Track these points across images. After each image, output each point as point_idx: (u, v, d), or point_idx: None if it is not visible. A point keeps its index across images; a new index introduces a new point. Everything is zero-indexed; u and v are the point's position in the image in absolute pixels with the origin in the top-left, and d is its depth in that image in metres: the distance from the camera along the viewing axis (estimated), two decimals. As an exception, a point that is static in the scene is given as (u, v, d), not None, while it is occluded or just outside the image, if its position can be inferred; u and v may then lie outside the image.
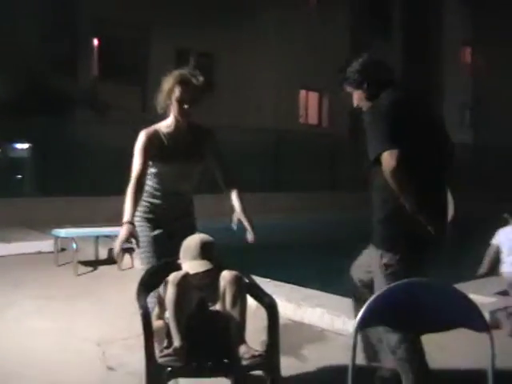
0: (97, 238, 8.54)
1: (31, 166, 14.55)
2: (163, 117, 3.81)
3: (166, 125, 3.80)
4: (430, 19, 25.13)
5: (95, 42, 17.53)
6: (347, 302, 5.46)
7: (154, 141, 3.73)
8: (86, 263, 8.06)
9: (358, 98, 3.40)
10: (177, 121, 3.77)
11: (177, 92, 3.68)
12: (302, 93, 22.65)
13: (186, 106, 3.71)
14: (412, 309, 2.28)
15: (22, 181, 14.70)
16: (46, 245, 9.13)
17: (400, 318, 2.30)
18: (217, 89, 19.22)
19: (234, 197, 3.92)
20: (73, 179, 13.72)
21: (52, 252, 8.57)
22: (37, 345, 4.72)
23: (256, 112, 18.49)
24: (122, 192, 12.00)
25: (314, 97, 23.19)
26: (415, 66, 23.17)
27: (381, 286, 2.99)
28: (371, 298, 2.26)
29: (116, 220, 11.46)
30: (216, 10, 17.35)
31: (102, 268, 8.05)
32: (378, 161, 3.05)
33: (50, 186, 13.44)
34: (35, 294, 6.46)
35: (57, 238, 8.31)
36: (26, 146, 15.05)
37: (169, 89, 3.70)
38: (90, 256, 8.40)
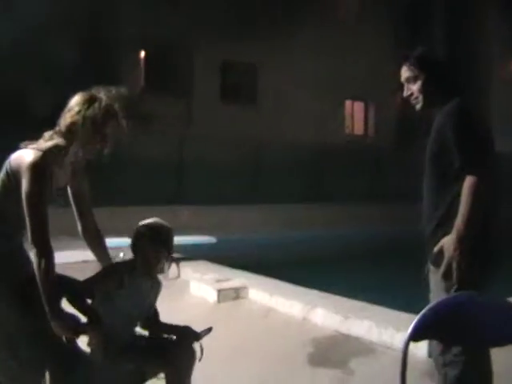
0: (143, 247, 8.60)
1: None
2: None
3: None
4: (475, 31, 24.65)
5: (141, 54, 17.78)
6: (395, 315, 5.40)
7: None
8: (132, 272, 8.11)
9: (417, 88, 3.05)
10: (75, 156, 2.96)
11: (109, 127, 2.96)
12: (348, 103, 22.51)
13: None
14: (465, 324, 2.21)
15: (65, 191, 14.92)
16: (91, 254, 9.21)
17: (453, 332, 2.23)
18: (260, 100, 19.31)
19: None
20: (116, 189, 13.90)
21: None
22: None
23: (300, 123, 18.46)
24: (165, 202, 12.10)
25: (359, 107, 23.03)
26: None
27: None
28: (423, 311, 2.19)
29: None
30: (259, 21, 17.46)
31: (148, 277, 8.08)
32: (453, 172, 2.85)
33: (97, 196, 13.60)
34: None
35: (104, 247, 8.39)
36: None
37: (99, 118, 2.89)
38: (135, 265, 8.47)
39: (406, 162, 18.64)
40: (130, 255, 8.42)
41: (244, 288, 6.80)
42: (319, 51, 19.44)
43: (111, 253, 8.63)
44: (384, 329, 5.02)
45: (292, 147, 16.39)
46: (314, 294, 6.40)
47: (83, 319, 2.70)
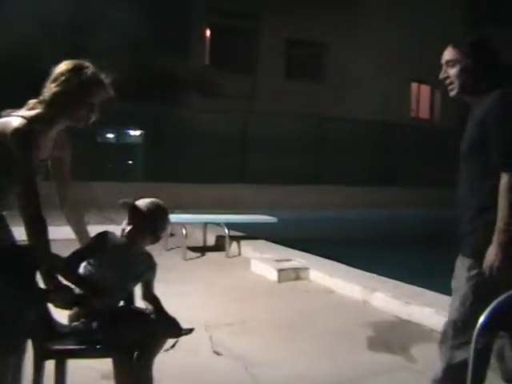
0: (205, 224, 8.70)
1: (143, 151, 15.04)
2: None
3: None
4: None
5: (207, 30, 17.86)
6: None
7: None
8: (194, 249, 8.26)
9: (454, 73, 2.90)
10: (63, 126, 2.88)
11: (95, 97, 2.81)
12: (414, 85, 22.05)
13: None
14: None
15: (132, 166, 15.23)
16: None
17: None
18: (325, 79, 19.15)
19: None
20: (182, 165, 14.08)
21: (161, 236, 8.82)
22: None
23: (366, 103, 18.21)
24: (228, 179, 12.18)
25: (425, 90, 22.53)
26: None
27: (466, 299, 2.80)
28: (495, 302, 2.15)
29: (222, 207, 11.67)
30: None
31: (209, 254, 8.21)
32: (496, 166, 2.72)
33: (161, 171, 13.86)
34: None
35: (167, 222, 8.53)
36: (138, 132, 15.61)
37: (83, 88, 2.76)
38: (198, 242, 8.60)
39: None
40: (191, 232, 8.50)
41: (304, 269, 6.82)
42: (387, 30, 19.09)
43: (175, 228, 8.79)
44: (445, 316, 4.94)
45: (356, 126, 16.23)
46: (374, 277, 6.36)
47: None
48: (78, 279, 2.74)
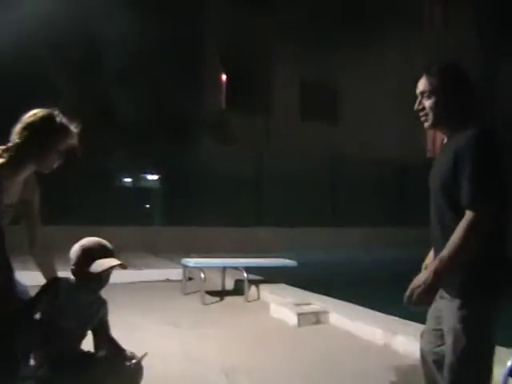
0: (224, 268, 8.68)
1: (160, 196, 15.13)
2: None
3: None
4: None
5: (223, 74, 18.11)
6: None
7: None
8: (213, 293, 8.22)
9: (429, 105, 2.83)
10: (32, 170, 2.96)
11: (62, 143, 2.91)
12: (430, 127, 22.06)
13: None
14: None
15: (150, 210, 15.31)
16: (174, 273, 9.46)
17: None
18: (340, 120, 19.26)
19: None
20: (199, 209, 14.13)
21: (180, 280, 8.82)
22: (165, 369, 4.83)
23: (379, 144, 18.26)
24: (244, 222, 12.14)
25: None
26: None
27: (459, 342, 2.65)
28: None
29: (240, 250, 11.64)
30: (338, 39, 17.41)
31: (228, 298, 8.16)
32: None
33: (177, 215, 13.92)
34: (164, 319, 6.66)
35: (186, 267, 8.54)
36: (155, 176, 15.73)
37: (52, 135, 2.88)
38: (216, 286, 8.56)
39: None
40: (210, 276, 8.47)
41: (325, 312, 6.75)
42: (401, 70, 19.22)
43: (193, 272, 8.79)
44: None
45: (372, 166, 16.22)
46: (395, 320, 6.28)
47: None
48: (32, 325, 2.78)
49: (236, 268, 8.67)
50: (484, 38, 20.81)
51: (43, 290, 2.92)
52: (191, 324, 6.56)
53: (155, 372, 4.77)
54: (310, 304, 7.11)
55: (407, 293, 2.67)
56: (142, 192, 15.94)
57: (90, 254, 2.97)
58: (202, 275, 8.00)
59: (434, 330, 2.93)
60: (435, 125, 2.87)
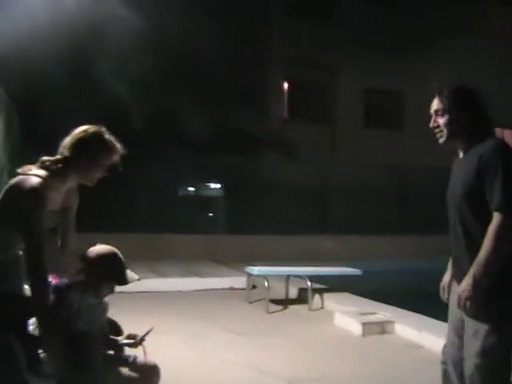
0: (287, 277, 8.66)
1: (222, 204, 15.26)
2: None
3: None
4: None
5: (285, 84, 18.13)
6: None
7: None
8: (276, 301, 8.20)
9: (443, 122, 3.06)
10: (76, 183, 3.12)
11: (108, 159, 3.03)
12: (497, 131, 21.44)
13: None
14: None
15: (213, 218, 15.45)
16: (237, 281, 9.49)
17: None
18: (405, 126, 18.96)
19: None
20: (262, 217, 14.16)
21: (243, 289, 8.85)
22: (225, 377, 4.87)
23: (443, 152, 17.85)
24: (307, 231, 12.05)
25: (509, 135, 21.89)
26: None
27: (484, 354, 2.81)
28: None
29: (303, 258, 11.56)
30: (404, 46, 17.16)
31: (292, 307, 8.13)
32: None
33: (240, 223, 13.99)
34: (229, 328, 6.69)
35: (249, 275, 8.56)
36: (217, 185, 15.88)
37: (98, 151, 3.00)
38: (280, 294, 8.54)
39: None
40: (273, 284, 8.48)
41: (390, 322, 6.63)
42: (467, 75, 18.77)
43: (257, 281, 8.81)
44: None
45: (438, 174, 15.87)
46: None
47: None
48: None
49: (300, 276, 8.64)
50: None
51: (58, 295, 2.94)
52: (256, 332, 6.56)
53: (221, 380, 4.81)
54: (374, 313, 7.01)
55: (457, 301, 2.86)
56: (205, 200, 16.12)
57: (113, 263, 3.05)
58: (266, 283, 8.00)
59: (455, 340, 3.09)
60: (449, 139, 3.10)
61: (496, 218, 2.76)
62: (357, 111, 18.70)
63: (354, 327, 6.62)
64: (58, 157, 2.97)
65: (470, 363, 2.88)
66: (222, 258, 11.99)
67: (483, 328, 2.82)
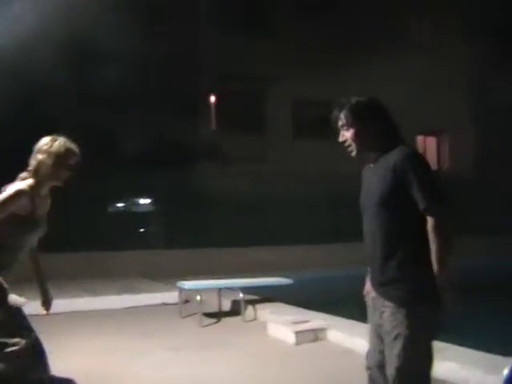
0: (220, 289, 8.62)
1: (154, 219, 15.09)
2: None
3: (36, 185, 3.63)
4: None
5: (214, 96, 18.14)
6: (481, 356, 5.18)
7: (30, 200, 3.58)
8: (210, 315, 8.14)
9: (350, 136, 3.19)
10: (50, 185, 3.73)
11: (71, 160, 3.69)
12: (420, 138, 22.08)
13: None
14: None
15: (145, 234, 15.27)
16: (169, 296, 9.39)
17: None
18: (333, 136, 19.24)
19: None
20: (194, 231, 14.08)
21: (176, 303, 8.75)
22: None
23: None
24: (243, 243, 12.03)
25: (431, 142, 22.59)
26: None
27: (408, 346, 2.91)
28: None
29: (237, 272, 11.55)
30: (330, 58, 17.44)
31: (225, 319, 8.08)
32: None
33: (172, 238, 13.87)
34: (164, 344, 6.60)
35: (181, 290, 8.47)
36: (148, 200, 15.71)
37: (62, 154, 3.64)
38: (213, 308, 8.48)
39: (487, 194, 18.16)
40: (206, 297, 8.47)
41: (323, 329, 6.68)
42: (391, 86, 19.25)
43: (189, 295, 8.75)
44: (471, 371, 4.81)
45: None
46: None
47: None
48: None
49: (232, 289, 8.60)
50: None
51: None
52: (191, 347, 6.49)
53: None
54: (307, 322, 7.04)
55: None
56: (136, 216, 15.91)
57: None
58: (198, 297, 7.93)
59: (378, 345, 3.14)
60: (360, 152, 3.18)
61: (429, 221, 2.90)
62: (287, 122, 18.87)
63: (288, 336, 6.62)
64: (30, 168, 3.62)
65: (392, 366, 2.96)
66: (156, 273, 11.82)
67: (403, 332, 2.91)
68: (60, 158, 3.62)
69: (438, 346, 5.54)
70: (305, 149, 17.94)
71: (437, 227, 2.88)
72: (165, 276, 11.20)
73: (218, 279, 8.97)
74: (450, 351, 5.36)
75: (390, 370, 2.97)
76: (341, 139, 3.23)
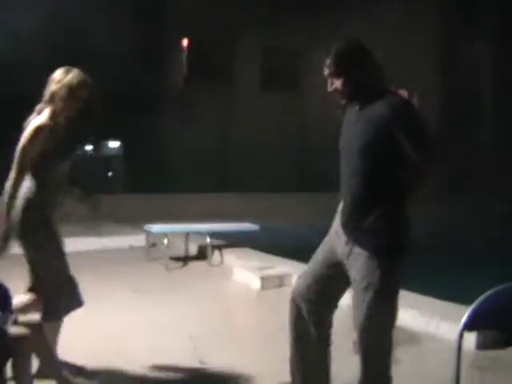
0: (187, 234, 8.66)
1: (122, 163, 14.98)
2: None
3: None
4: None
5: (184, 41, 17.83)
6: (441, 304, 5.35)
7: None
8: (176, 259, 8.20)
9: (340, 84, 3.06)
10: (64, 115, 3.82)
11: (83, 92, 3.80)
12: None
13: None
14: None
15: (112, 178, 15.17)
16: (137, 239, 9.35)
17: (509, 321, 2.19)
18: (303, 85, 19.13)
19: None
20: (161, 177, 14.04)
21: (143, 247, 8.77)
22: (129, 337, 4.84)
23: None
24: (210, 189, 12.02)
25: (404, 93, 22.58)
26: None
27: (378, 295, 2.97)
28: (478, 300, 2.17)
29: (205, 217, 11.55)
30: (302, 7, 17.20)
31: (191, 264, 8.15)
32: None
33: (140, 183, 13.81)
34: (128, 287, 6.61)
35: (148, 233, 8.49)
36: (117, 144, 15.55)
37: (74, 86, 3.75)
38: (180, 252, 8.54)
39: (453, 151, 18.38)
40: (173, 242, 8.50)
41: (288, 275, 6.78)
42: (364, 36, 19.11)
43: (156, 239, 8.72)
44: (430, 319, 4.98)
45: (335, 133, 16.20)
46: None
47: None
48: None
49: (199, 233, 8.65)
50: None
51: None
52: (156, 291, 6.54)
53: (122, 340, 4.78)
54: (273, 267, 7.15)
55: None
56: (103, 160, 15.77)
57: None
58: (165, 241, 7.98)
59: (325, 278, 3.26)
60: (350, 100, 3.10)
61: (418, 169, 2.96)
62: (255, 70, 18.69)
63: (253, 281, 6.74)
64: (44, 98, 3.76)
65: (361, 314, 3.03)
66: (121, 217, 11.78)
67: (374, 282, 2.96)
68: (72, 89, 3.72)
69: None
70: (273, 98, 17.84)
71: (423, 176, 2.97)
72: (132, 220, 11.17)
73: (185, 224, 9.01)
74: (408, 299, 5.52)
75: (359, 318, 3.03)
76: (329, 89, 3.12)
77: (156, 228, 8.39)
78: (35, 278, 3.77)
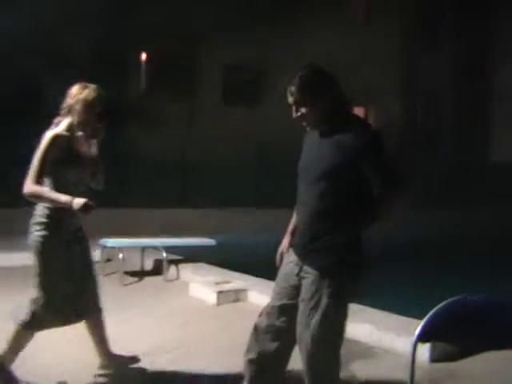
0: (143, 248, 8.56)
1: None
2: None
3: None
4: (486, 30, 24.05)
5: (144, 55, 17.77)
6: (395, 318, 5.39)
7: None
8: (131, 274, 8.10)
9: (306, 111, 3.07)
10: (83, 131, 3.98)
11: (98, 108, 3.95)
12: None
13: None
14: (474, 325, 2.19)
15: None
16: (92, 254, 9.20)
17: (461, 333, 2.20)
18: (263, 101, 19.22)
19: None
20: (120, 191, 13.87)
21: (98, 262, 8.62)
22: (81, 353, 4.72)
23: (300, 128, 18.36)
24: (169, 204, 11.95)
25: (359, 112, 22.96)
26: (465, 80, 22.52)
27: (325, 317, 3.00)
28: (431, 313, 2.18)
29: (163, 232, 11.43)
30: (263, 24, 17.30)
31: (147, 279, 8.06)
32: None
33: (98, 196, 13.60)
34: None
35: (104, 247, 8.36)
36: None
37: (90, 101, 3.89)
38: (135, 266, 8.43)
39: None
40: (129, 256, 8.38)
41: (243, 290, 6.77)
42: (324, 54, 19.32)
43: (112, 253, 8.59)
44: (384, 333, 5.01)
45: (294, 149, 16.27)
46: None
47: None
48: None
49: (155, 247, 8.56)
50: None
51: None
52: (111, 306, 6.39)
53: (71, 356, 4.67)
54: (229, 282, 7.11)
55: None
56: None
57: None
58: (121, 255, 7.87)
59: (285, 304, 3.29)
60: (316, 127, 3.12)
61: (380, 199, 2.96)
62: (216, 87, 18.72)
63: (209, 296, 6.68)
64: (61, 112, 3.91)
65: (308, 334, 3.03)
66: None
67: (322, 302, 2.99)
68: (87, 104, 3.85)
69: (352, 308, 5.75)
70: (234, 114, 17.88)
71: (388, 207, 3.00)
72: (87, 234, 11.00)
73: (141, 238, 8.91)
74: (365, 313, 5.55)
75: (305, 336, 3.03)
76: (294, 116, 3.11)
77: (111, 242, 8.28)
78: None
